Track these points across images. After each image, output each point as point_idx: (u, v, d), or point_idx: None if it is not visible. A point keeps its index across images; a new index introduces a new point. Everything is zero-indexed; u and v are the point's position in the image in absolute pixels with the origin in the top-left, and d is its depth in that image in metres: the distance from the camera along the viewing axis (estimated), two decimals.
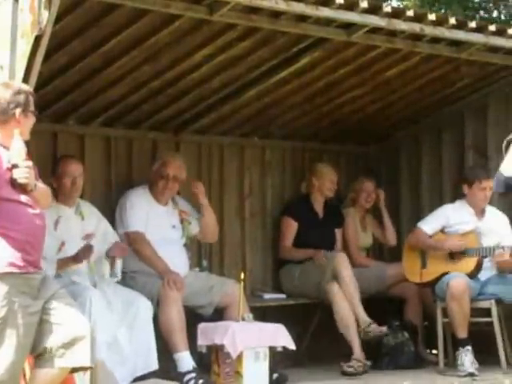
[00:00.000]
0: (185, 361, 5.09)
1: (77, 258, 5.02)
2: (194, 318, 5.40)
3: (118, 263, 5.12)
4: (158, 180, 5.62)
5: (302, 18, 4.97)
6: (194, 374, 5.03)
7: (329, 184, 6.49)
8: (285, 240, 6.41)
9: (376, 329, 5.81)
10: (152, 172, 5.69)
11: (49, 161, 5.55)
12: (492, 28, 5.48)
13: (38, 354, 3.49)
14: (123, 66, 5.11)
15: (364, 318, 5.87)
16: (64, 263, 5.01)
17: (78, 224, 5.21)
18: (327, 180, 6.48)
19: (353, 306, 5.88)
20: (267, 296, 6.32)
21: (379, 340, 5.92)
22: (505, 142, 4.21)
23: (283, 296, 6.34)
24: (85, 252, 5.03)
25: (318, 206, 6.54)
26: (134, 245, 5.45)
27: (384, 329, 5.85)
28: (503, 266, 5.88)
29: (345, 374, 5.65)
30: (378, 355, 5.98)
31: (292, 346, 5.28)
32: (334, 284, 5.90)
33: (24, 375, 3.61)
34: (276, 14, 4.86)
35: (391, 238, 6.77)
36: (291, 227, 6.41)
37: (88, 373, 3.79)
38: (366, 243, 6.83)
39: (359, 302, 5.91)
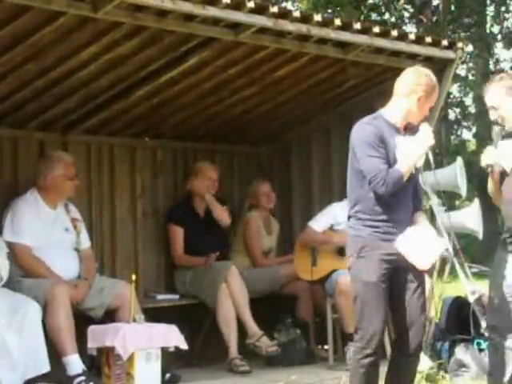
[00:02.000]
0: (74, 364, 5.01)
1: None
2: (84, 320, 5.29)
3: (3, 267, 4.98)
4: (64, 182, 5.49)
5: (189, 18, 4.94)
6: (83, 377, 4.96)
7: (207, 181, 6.40)
8: (175, 249, 6.32)
9: (267, 346, 5.81)
10: (50, 176, 5.50)
11: None
12: (376, 30, 5.57)
13: None
14: (5, 63, 4.95)
15: (254, 329, 5.87)
16: None
17: None
18: (205, 177, 6.41)
19: (242, 316, 5.88)
20: (160, 297, 6.25)
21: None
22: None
23: (176, 297, 6.27)
24: None
25: (200, 207, 6.45)
26: (17, 258, 5.30)
27: (274, 349, 5.83)
28: None
29: (236, 372, 5.64)
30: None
31: (184, 346, 5.24)
32: (223, 285, 5.87)
33: None
34: (163, 13, 4.80)
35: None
36: (178, 234, 6.31)
37: None
38: (271, 245, 6.79)
39: (249, 313, 5.90)
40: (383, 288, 4.09)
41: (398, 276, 4.14)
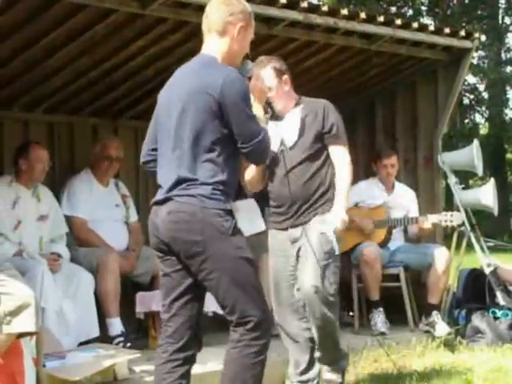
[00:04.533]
0: (116, 326, 5.09)
1: None
2: (133, 287, 5.41)
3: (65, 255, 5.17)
4: (102, 162, 5.58)
5: None
6: (122, 338, 5.04)
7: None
8: None
9: None
10: (93, 155, 5.65)
11: None
12: (398, 22, 5.59)
13: None
14: (63, 57, 5.04)
15: None
16: None
17: (34, 205, 5.15)
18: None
19: None
20: None
21: None
22: None
23: None
24: None
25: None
26: (74, 229, 5.42)
27: None
28: (424, 233, 5.97)
29: None
30: None
31: (221, 312, 5.29)
32: (263, 255, 5.88)
33: None
34: (203, 9, 4.84)
35: None
36: None
37: (34, 338, 3.76)
38: None
39: None
40: None
41: None
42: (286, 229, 4.13)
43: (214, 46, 3.26)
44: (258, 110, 3.45)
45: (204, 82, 3.12)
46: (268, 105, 3.90)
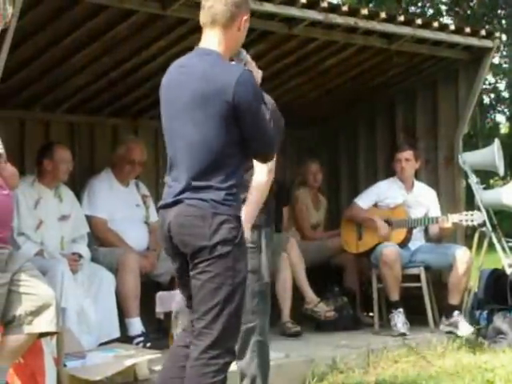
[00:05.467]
0: (135, 325, 5.10)
1: None
2: (153, 287, 5.38)
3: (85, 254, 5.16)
4: (124, 165, 5.58)
5: None
6: (142, 338, 5.04)
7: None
8: None
9: (325, 311, 5.86)
10: (116, 156, 5.64)
11: (16, 146, 5.49)
12: (419, 21, 5.56)
13: (8, 322, 3.47)
14: (84, 57, 5.05)
15: (312, 295, 5.91)
16: None
17: (56, 206, 5.16)
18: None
19: (301, 284, 5.89)
20: None
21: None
22: None
23: None
24: None
25: None
26: (94, 229, 5.42)
27: (332, 314, 5.89)
28: (445, 233, 5.93)
29: (288, 333, 5.68)
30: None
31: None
32: (283, 255, 5.90)
33: None
34: None
35: None
36: None
37: (54, 338, 3.77)
38: (318, 220, 6.80)
39: (306, 280, 5.90)
40: None
41: None
42: None
43: (217, 38, 3.08)
44: None
45: (215, 85, 2.96)
46: None
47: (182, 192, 2.99)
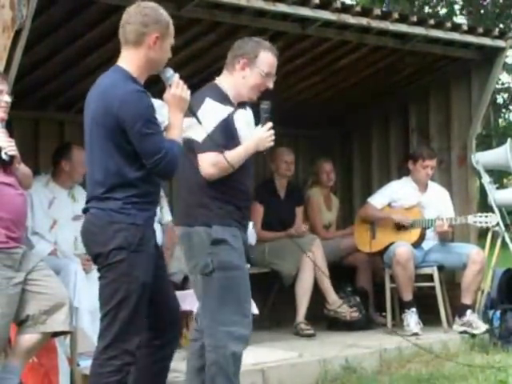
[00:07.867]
0: None
1: None
2: None
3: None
4: None
5: (261, 14, 4.97)
6: None
7: (283, 165, 6.29)
8: (256, 225, 6.30)
9: (349, 312, 5.86)
10: None
11: (31, 145, 5.49)
12: (431, 21, 5.53)
13: (21, 321, 3.47)
14: (97, 58, 5.04)
15: (334, 297, 5.89)
16: None
17: (70, 206, 5.13)
18: (281, 161, 6.29)
19: (324, 285, 5.87)
20: None
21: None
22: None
23: (248, 265, 6.28)
24: None
25: (281, 188, 6.39)
26: None
27: (356, 315, 5.88)
28: (443, 236, 5.94)
29: (302, 335, 5.67)
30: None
31: (256, 311, 5.29)
32: (308, 255, 5.85)
33: (9, 341, 3.59)
34: (237, 10, 4.84)
35: None
36: (258, 212, 6.17)
37: (68, 337, 3.76)
38: (331, 220, 6.76)
39: (329, 282, 5.87)
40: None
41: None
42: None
43: (130, 57, 3.23)
44: (177, 119, 3.25)
45: (106, 102, 3.13)
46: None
47: (88, 202, 3.25)
